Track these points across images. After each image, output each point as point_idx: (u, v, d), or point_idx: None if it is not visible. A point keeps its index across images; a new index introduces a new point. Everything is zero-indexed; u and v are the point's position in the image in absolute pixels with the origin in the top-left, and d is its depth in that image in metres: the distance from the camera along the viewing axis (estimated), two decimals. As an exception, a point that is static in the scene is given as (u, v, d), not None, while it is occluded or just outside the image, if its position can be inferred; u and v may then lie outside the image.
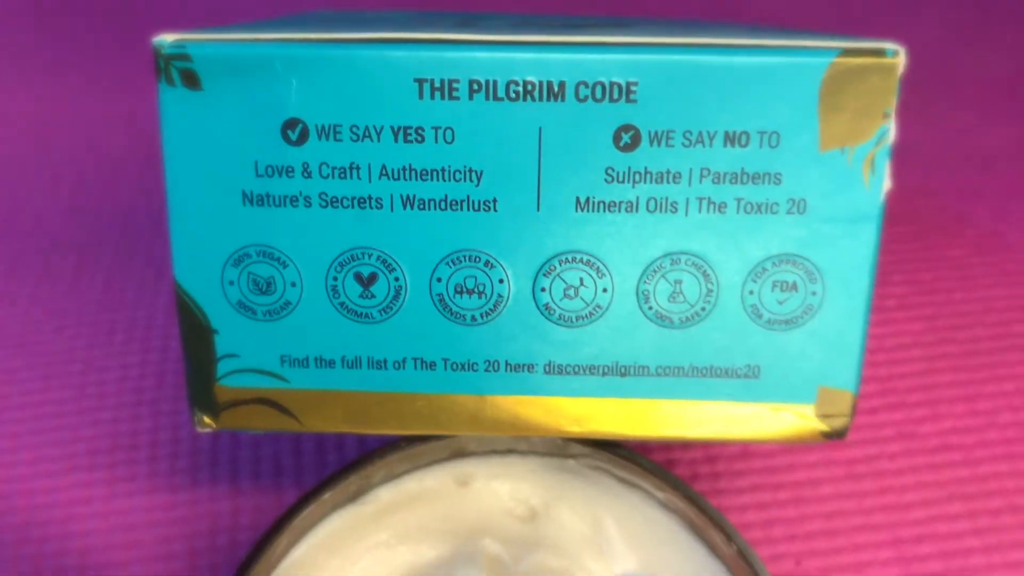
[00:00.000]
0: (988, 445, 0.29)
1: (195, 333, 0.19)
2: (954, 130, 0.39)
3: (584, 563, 0.23)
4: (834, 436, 0.20)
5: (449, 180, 0.18)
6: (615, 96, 0.18)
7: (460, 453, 0.23)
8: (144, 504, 0.28)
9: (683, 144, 0.18)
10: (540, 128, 0.18)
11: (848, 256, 0.19)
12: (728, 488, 0.28)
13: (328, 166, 0.18)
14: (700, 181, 0.18)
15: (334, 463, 0.28)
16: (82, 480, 0.28)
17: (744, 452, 0.29)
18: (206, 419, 0.20)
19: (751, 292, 0.19)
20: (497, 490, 0.23)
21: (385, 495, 0.23)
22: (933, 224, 0.35)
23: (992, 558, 0.27)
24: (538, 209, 0.18)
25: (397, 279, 0.19)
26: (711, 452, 0.29)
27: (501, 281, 0.19)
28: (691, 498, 0.21)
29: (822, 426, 0.20)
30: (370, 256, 0.19)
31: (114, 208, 0.36)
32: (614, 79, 0.18)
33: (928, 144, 0.38)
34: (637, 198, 0.18)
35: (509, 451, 0.23)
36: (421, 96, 0.18)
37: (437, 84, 0.18)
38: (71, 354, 0.31)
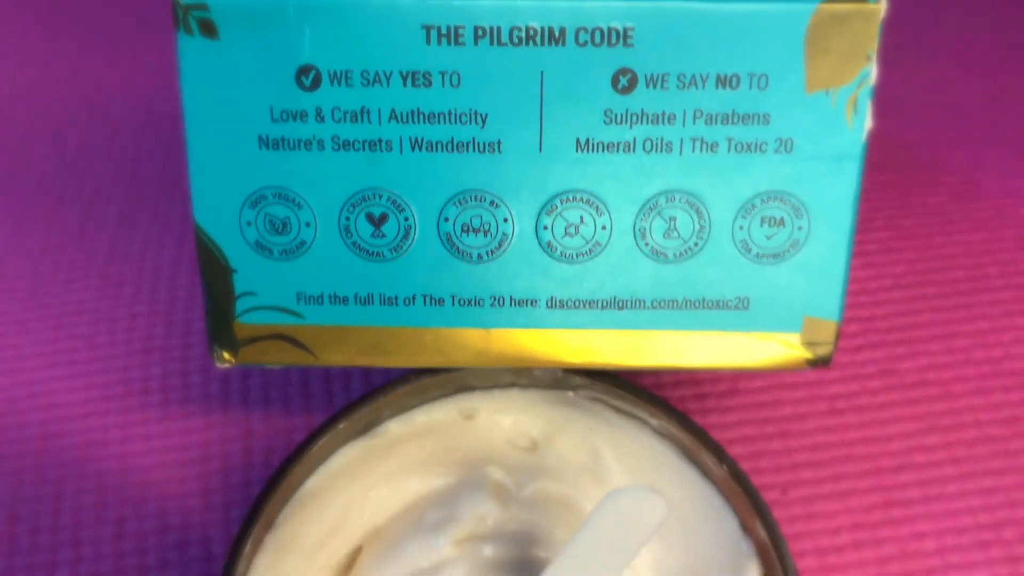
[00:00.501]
0: (963, 380, 0.30)
1: (215, 272, 0.20)
2: (932, 83, 0.40)
3: (583, 488, 0.24)
4: (818, 363, 0.21)
5: (455, 123, 0.19)
6: (613, 41, 0.19)
7: (465, 388, 0.24)
8: (158, 445, 0.29)
9: (677, 87, 0.19)
10: (542, 72, 0.19)
11: (832, 192, 0.20)
12: (717, 424, 0.29)
13: (340, 110, 0.19)
14: (693, 122, 0.19)
15: (341, 401, 0.29)
16: (97, 424, 0.29)
17: (732, 390, 0.30)
18: (226, 355, 0.21)
19: (741, 228, 0.20)
20: (500, 423, 0.25)
21: (395, 428, 0.24)
22: (913, 173, 0.36)
23: (966, 485, 0.29)
24: (540, 150, 0.19)
25: (407, 219, 0.20)
26: (701, 390, 0.30)
27: (505, 220, 0.20)
28: (683, 423, 0.22)
29: (807, 354, 0.21)
30: (380, 197, 0.20)
31: (118, 167, 0.37)
32: (612, 24, 0.19)
33: (907, 97, 0.39)
34: (634, 139, 0.19)
35: (511, 385, 0.24)
36: (428, 42, 0.19)
37: (444, 30, 0.19)
38: (81, 305, 0.32)
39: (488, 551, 0.23)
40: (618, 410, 0.24)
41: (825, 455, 0.29)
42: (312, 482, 0.23)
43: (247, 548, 0.21)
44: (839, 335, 0.21)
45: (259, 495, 0.21)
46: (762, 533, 0.22)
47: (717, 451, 0.22)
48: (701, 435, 0.22)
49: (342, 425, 0.22)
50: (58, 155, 0.37)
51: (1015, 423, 0.29)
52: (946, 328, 0.31)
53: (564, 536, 0.23)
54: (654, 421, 0.23)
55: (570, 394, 0.24)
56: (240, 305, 0.21)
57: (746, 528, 0.22)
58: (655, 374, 0.30)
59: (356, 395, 0.29)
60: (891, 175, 0.36)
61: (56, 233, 0.34)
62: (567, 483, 0.24)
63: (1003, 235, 0.33)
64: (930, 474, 0.29)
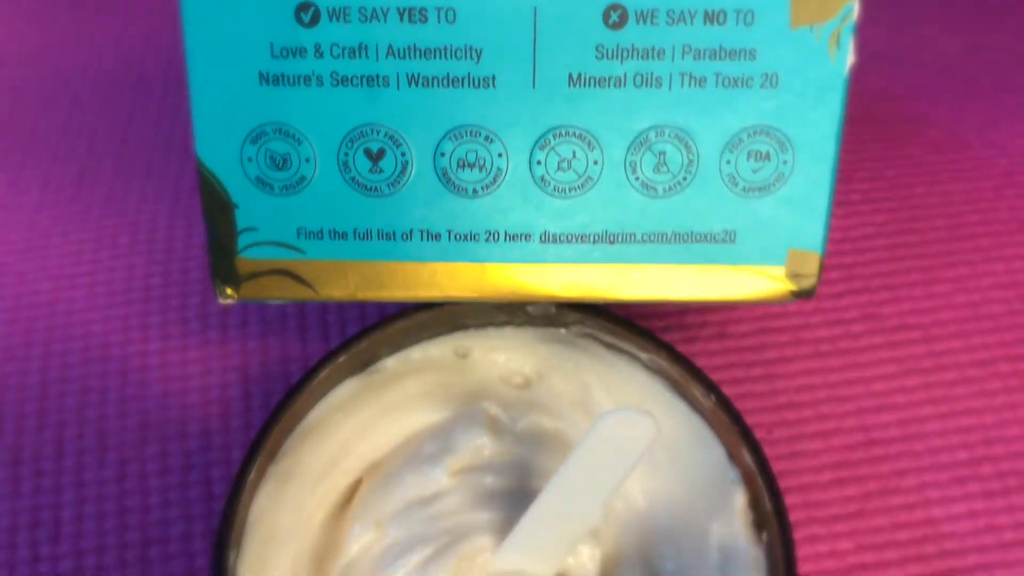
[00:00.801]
0: (943, 324, 0.31)
1: (217, 209, 0.21)
2: (915, 39, 0.41)
3: (575, 422, 0.25)
4: (802, 296, 0.22)
5: (451, 58, 0.20)
6: (604, -23, 0.19)
7: (459, 326, 0.25)
8: (158, 390, 0.29)
9: (667, 22, 0.20)
10: (535, 8, 0.19)
11: (815, 126, 0.20)
12: (705, 366, 0.30)
13: (338, 47, 0.20)
14: (682, 57, 0.20)
15: (337, 339, 0.30)
16: (97, 370, 0.30)
17: (719, 334, 0.31)
18: (228, 290, 0.22)
19: (728, 162, 0.21)
20: (494, 360, 0.25)
21: (391, 364, 0.24)
22: (895, 126, 0.37)
23: (946, 424, 0.30)
24: (534, 86, 0.20)
25: (404, 154, 0.21)
26: (689, 335, 0.31)
27: (500, 155, 0.21)
28: (672, 355, 0.23)
29: (791, 286, 0.22)
30: (378, 132, 0.20)
31: (111, 126, 0.37)
32: (603, -39, 0.19)
33: (891, 53, 0.40)
34: (625, 74, 0.20)
35: (505, 324, 0.25)
36: (425, -22, 0.19)
37: (440, -34, 0.19)
38: (78, 256, 0.32)
39: (485, 481, 0.23)
40: (609, 346, 0.24)
41: (809, 397, 0.30)
42: (313, 415, 0.23)
43: (251, 476, 0.21)
44: (822, 268, 0.22)
45: (263, 426, 0.22)
46: (748, 460, 0.22)
47: (705, 382, 0.22)
48: (689, 367, 0.23)
49: (342, 359, 0.22)
50: (52, 115, 0.38)
51: (993, 364, 0.30)
52: (927, 274, 0.32)
53: (557, 467, 0.24)
54: (644, 355, 0.24)
55: (562, 331, 0.24)
56: (242, 241, 0.21)
57: (733, 457, 0.23)
58: (644, 320, 0.30)
59: (352, 333, 0.29)
60: (874, 128, 0.36)
61: (52, 189, 0.35)
62: (559, 417, 0.25)
63: (983, 185, 0.34)
64: (911, 414, 0.30)
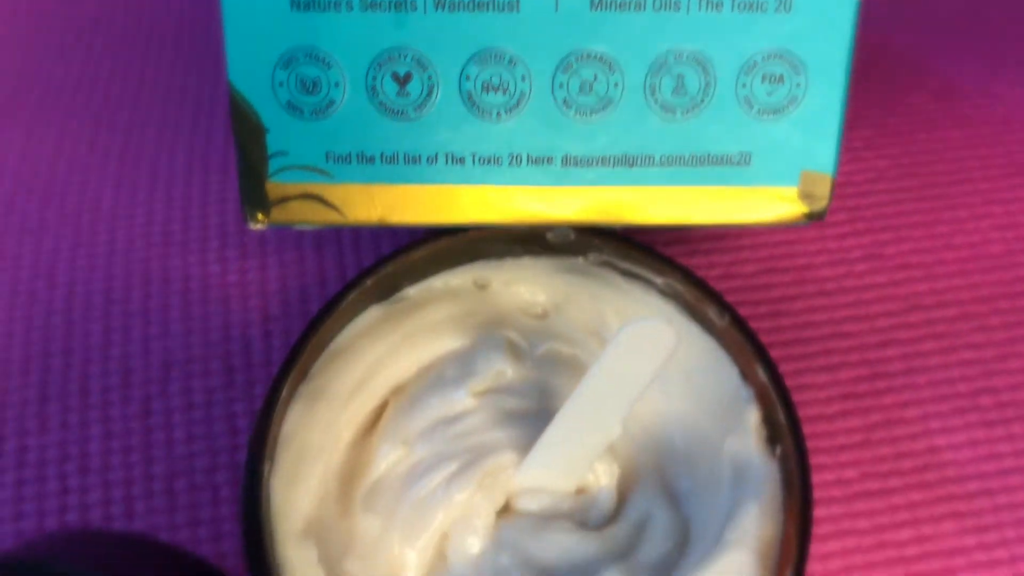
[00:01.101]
0: (945, 263, 0.32)
1: (248, 133, 0.22)
2: (915, -6, 0.42)
3: (591, 349, 0.25)
4: (815, 217, 0.23)
5: (476, -18, 0.20)
6: (625, -100, 0.20)
7: (479, 257, 0.25)
8: (179, 328, 0.30)
9: (685, -54, 0.20)
10: (559, -68, 0.20)
11: (828, 50, 0.21)
12: (714, 305, 0.31)
13: (368, -29, 0.20)
14: (700, -19, 0.21)
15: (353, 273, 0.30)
16: (118, 310, 0.30)
17: (726, 275, 0.32)
18: (259, 215, 0.22)
19: (744, 85, 0.21)
20: (513, 291, 0.26)
21: (413, 293, 0.25)
22: (896, 77, 0.37)
23: (947, 358, 0.30)
24: (556, 9, 0.21)
25: (430, 77, 0.21)
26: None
27: (523, 78, 0.21)
28: (688, 277, 0.23)
29: (804, 208, 0.23)
30: (405, 56, 0.21)
31: (124, 77, 0.38)
32: None
33: (890, 7, 0.41)
34: (645, -2, 0.21)
35: (524, 254, 0.25)
36: (451, -98, 0.20)
37: None
38: (97, 203, 0.33)
39: (506, 402, 0.24)
40: (625, 273, 0.25)
41: (815, 333, 0.31)
42: (341, 339, 0.24)
43: (284, 393, 0.22)
44: (834, 189, 0.23)
45: (294, 346, 0.22)
46: (762, 376, 0.23)
47: (720, 302, 0.23)
48: (704, 288, 0.23)
49: (367, 283, 0.23)
50: (67, 67, 0.38)
51: (992, 301, 0.31)
52: (928, 216, 0.33)
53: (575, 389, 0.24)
54: (659, 279, 0.24)
55: (580, 260, 0.25)
56: (272, 165, 0.22)
57: (745, 375, 0.24)
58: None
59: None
60: (875, 79, 0.37)
61: (68, 140, 0.35)
62: (575, 345, 0.26)
63: (982, 132, 0.35)
64: (913, 348, 0.31)
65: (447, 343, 0.25)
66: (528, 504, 0.24)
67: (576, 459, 0.23)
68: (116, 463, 0.28)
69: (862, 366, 0.30)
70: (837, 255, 0.32)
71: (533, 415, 0.24)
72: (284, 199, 0.22)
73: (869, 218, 0.33)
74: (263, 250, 0.31)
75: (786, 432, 0.22)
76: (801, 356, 0.30)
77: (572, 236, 0.24)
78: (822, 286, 0.32)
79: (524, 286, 0.26)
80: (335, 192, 0.22)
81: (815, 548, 0.28)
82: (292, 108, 0.21)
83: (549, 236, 0.24)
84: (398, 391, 0.25)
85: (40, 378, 0.30)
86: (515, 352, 0.25)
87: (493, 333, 0.25)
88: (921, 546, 0.28)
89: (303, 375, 0.23)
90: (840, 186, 0.34)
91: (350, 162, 0.22)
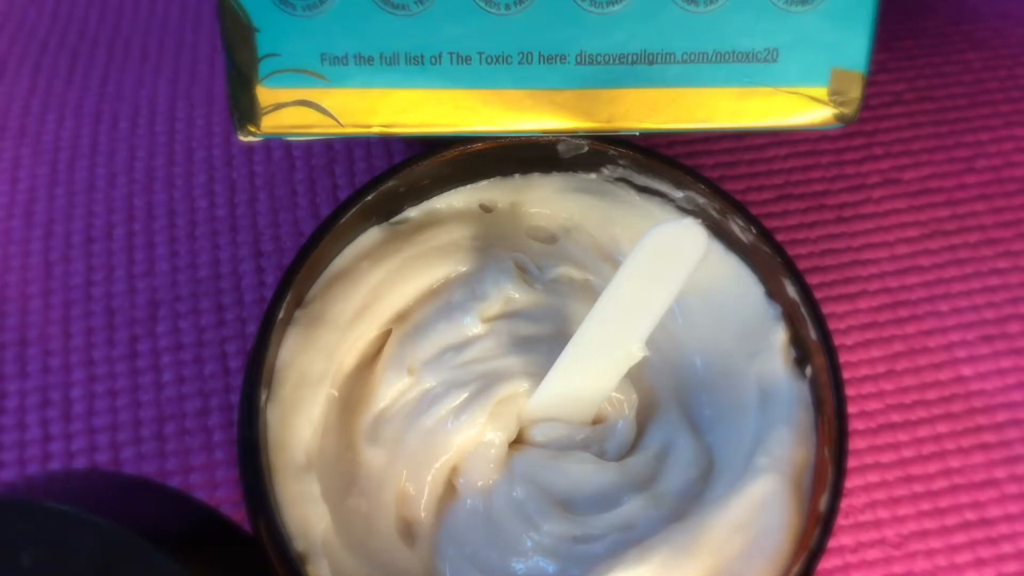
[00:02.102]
0: (966, 188, 0.31)
1: (237, 34, 0.20)
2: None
3: (605, 274, 0.24)
4: (846, 120, 0.21)
5: None
6: None
7: (484, 174, 0.24)
8: (165, 267, 0.28)
9: None
10: None
11: (861, -67, 0.20)
12: (728, 234, 0.29)
13: None
14: None
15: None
16: (100, 248, 0.29)
17: (740, 202, 0.30)
18: (250, 127, 0.21)
19: (770, -28, 0.20)
20: (522, 214, 0.24)
21: (416, 215, 0.24)
22: (908, 1, 0.36)
23: (971, 284, 0.29)
24: None
25: (433, -33, 0.20)
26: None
27: (534, -34, 0.20)
28: (712, 188, 0.22)
29: (834, 109, 0.21)
30: (406, -57, 0.19)
31: (101, 14, 0.36)
32: None
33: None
34: None
35: (531, 171, 0.24)
36: None
37: None
38: (76, 141, 0.31)
39: (517, 327, 0.23)
40: (641, 189, 0.23)
41: (833, 261, 0.29)
42: (340, 262, 0.22)
43: (280, 316, 0.20)
44: (865, 92, 0.21)
45: (290, 265, 0.21)
46: (791, 292, 0.22)
47: (745, 215, 0.22)
48: (729, 199, 0.22)
49: (369, 197, 0.21)
50: (40, 5, 0.36)
51: (1017, 225, 0.30)
52: (948, 140, 0.31)
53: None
54: (679, 193, 0.23)
55: (592, 176, 0.24)
56: (263, 68, 0.20)
57: (772, 293, 0.23)
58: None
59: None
60: (887, 4, 0.36)
61: (44, 77, 0.33)
62: (587, 269, 0.24)
63: (1001, 53, 0.34)
64: (935, 275, 0.29)
65: (452, 268, 0.23)
66: (542, 435, 0.22)
67: (593, 386, 0.22)
68: (101, 408, 0.27)
69: (883, 294, 0.29)
70: (855, 180, 0.31)
71: (547, 340, 0.23)
72: (276, 106, 0.21)
73: (887, 143, 0.31)
74: (252, 184, 0.30)
75: (817, 350, 0.21)
76: (819, 285, 0.29)
77: (585, 148, 0.23)
78: (839, 213, 0.30)
79: (533, 208, 0.24)
80: (331, 98, 0.21)
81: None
82: (283, 2, 0.20)
83: (560, 148, 0.23)
84: (402, 318, 0.23)
85: (19, 321, 0.28)
86: (524, 277, 0.23)
87: (501, 257, 0.23)
88: (949, 479, 0.27)
89: (300, 299, 0.22)
90: (856, 111, 0.32)
91: (347, 64, 0.20)
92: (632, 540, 0.20)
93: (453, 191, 0.24)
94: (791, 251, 0.29)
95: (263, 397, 0.20)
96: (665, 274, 0.19)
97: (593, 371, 0.21)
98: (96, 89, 0.33)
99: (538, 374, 0.22)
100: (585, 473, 0.22)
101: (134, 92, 0.32)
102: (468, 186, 0.24)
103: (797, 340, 0.22)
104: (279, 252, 0.29)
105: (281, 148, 0.30)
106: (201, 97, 0.32)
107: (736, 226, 0.22)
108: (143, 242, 0.29)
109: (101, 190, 0.30)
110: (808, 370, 0.22)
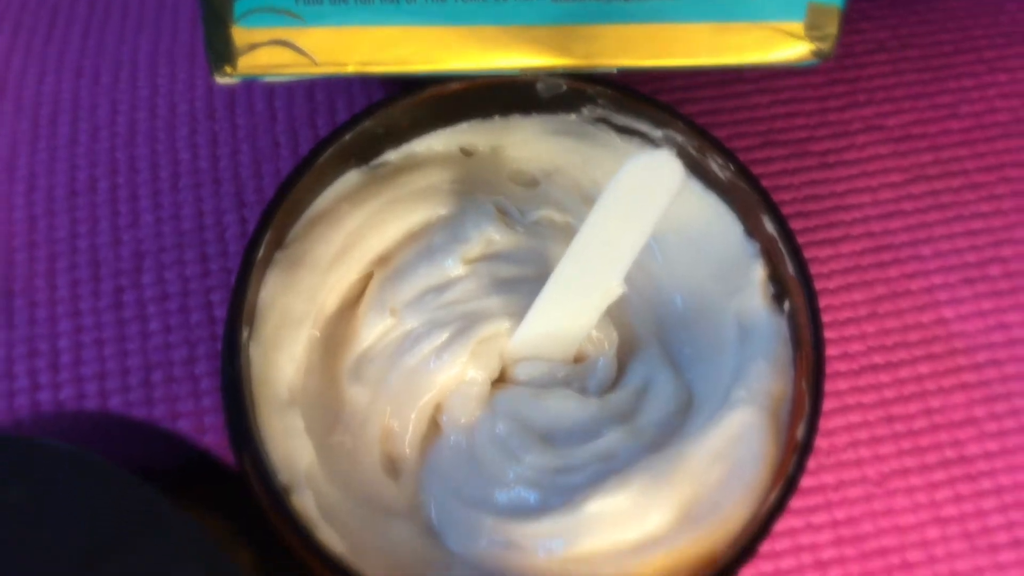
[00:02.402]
0: (949, 133, 0.31)
1: (210, -29, 0.20)
2: None
3: (584, 215, 0.24)
4: (822, 56, 0.21)
5: None
6: None
7: (463, 116, 0.24)
8: (150, 218, 0.28)
9: None
10: None
11: None
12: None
13: None
14: None
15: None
16: (85, 202, 0.29)
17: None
18: (226, 68, 0.21)
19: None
20: (502, 158, 0.25)
21: (395, 159, 0.24)
22: (893, -50, 0.36)
23: (953, 228, 0.29)
24: None
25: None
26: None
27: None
28: (690, 126, 0.22)
29: (811, 45, 0.21)
30: None
31: (79, -30, 0.36)
32: None
33: None
34: None
35: (511, 112, 0.24)
36: None
37: None
38: (56, 96, 0.31)
39: (498, 269, 0.23)
40: (621, 129, 0.24)
41: (816, 206, 0.30)
42: (320, 204, 0.23)
43: (260, 254, 0.20)
44: (842, 27, 0.21)
45: (269, 203, 0.21)
46: (769, 227, 0.22)
47: (724, 152, 0.22)
48: (707, 137, 0.22)
49: (347, 137, 0.21)
50: (18, -39, 0.36)
51: (1001, 170, 0.30)
52: (931, 87, 0.32)
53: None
54: (658, 132, 0.23)
55: (572, 117, 0.24)
56: (239, 7, 0.20)
57: (751, 231, 0.23)
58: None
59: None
60: (871, -48, 0.36)
61: (24, 32, 0.33)
62: (569, 212, 0.24)
63: (984, 1, 0.34)
64: (918, 220, 0.29)
65: (433, 211, 0.23)
66: (525, 373, 0.23)
67: (573, 324, 0.22)
68: (89, 357, 0.27)
69: (866, 238, 0.29)
70: (838, 127, 0.31)
71: (527, 282, 0.23)
72: (252, 46, 0.21)
73: (870, 89, 0.31)
74: (235, 137, 0.30)
75: (794, 284, 0.21)
76: (803, 230, 0.29)
77: (564, 87, 0.23)
78: (823, 159, 0.30)
79: (513, 151, 0.25)
80: (307, 37, 0.21)
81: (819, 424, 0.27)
82: (257, -59, 0.20)
83: (539, 87, 0.23)
84: (383, 261, 0.23)
85: (3, 272, 0.28)
86: (506, 219, 0.23)
87: (481, 200, 0.24)
88: (929, 419, 0.28)
89: (280, 241, 0.22)
90: (839, 58, 0.32)
91: (321, 2, 0.20)
92: (612, 470, 0.21)
93: (432, 134, 0.24)
94: (775, 197, 0.30)
95: (245, 334, 0.20)
96: (642, 208, 0.19)
97: (572, 309, 0.22)
98: (77, 44, 0.32)
99: (519, 314, 0.22)
100: (566, 408, 0.22)
101: (115, 47, 0.32)
102: (447, 129, 0.24)
103: (776, 277, 0.22)
104: (262, 203, 0.29)
105: (263, 100, 0.30)
106: (183, 52, 0.32)
107: (715, 164, 0.22)
108: (127, 195, 0.29)
109: (84, 144, 0.30)
110: (786, 305, 0.22)
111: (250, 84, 0.30)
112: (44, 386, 0.27)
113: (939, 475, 0.27)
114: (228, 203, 0.29)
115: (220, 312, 0.27)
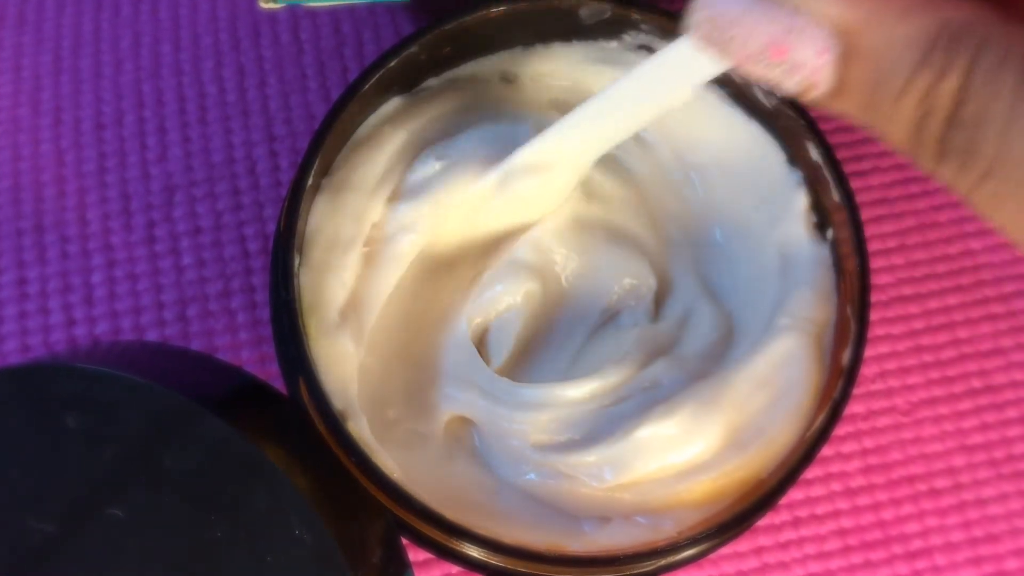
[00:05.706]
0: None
1: None
2: None
3: (629, 149, 0.24)
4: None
5: None
6: None
7: (505, 44, 0.23)
8: (180, 152, 0.28)
9: None
10: None
11: None
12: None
13: None
14: None
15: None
16: (112, 135, 0.28)
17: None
18: (269, -9, 0.20)
19: None
20: (542, 87, 0.24)
21: (436, 84, 0.23)
22: None
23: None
24: None
25: None
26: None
27: None
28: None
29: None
30: None
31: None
32: None
33: None
34: None
35: (553, 39, 0.24)
36: None
37: None
38: (78, 27, 0.30)
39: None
40: (662, 57, 0.23)
41: (845, 138, 0.30)
42: (363, 130, 0.22)
43: (309, 183, 0.20)
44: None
45: (316, 133, 0.21)
46: (814, 155, 0.22)
47: (768, 79, 0.22)
48: (752, 63, 0.22)
49: (393, 63, 0.21)
50: None
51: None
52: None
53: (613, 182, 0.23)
54: (702, 58, 0.23)
55: (613, 45, 0.24)
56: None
57: (794, 158, 0.23)
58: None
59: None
60: None
61: None
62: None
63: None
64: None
65: (472, 127, 0.23)
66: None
67: (585, 145, 0.22)
68: (123, 291, 0.27)
69: (894, 170, 0.29)
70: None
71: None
72: (298, -30, 0.20)
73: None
74: (261, 69, 0.29)
75: (839, 209, 0.21)
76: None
77: (608, 13, 0.22)
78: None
79: (554, 80, 0.24)
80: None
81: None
82: None
83: (583, 13, 0.22)
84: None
85: (33, 208, 0.28)
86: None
87: (522, 121, 0.23)
88: (957, 349, 0.28)
89: (326, 168, 0.22)
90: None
91: (369, -76, 0.20)
92: (658, 399, 0.21)
93: (473, 61, 0.24)
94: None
95: (297, 262, 0.20)
96: (681, 75, 0.19)
97: (589, 133, 0.22)
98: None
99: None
100: (607, 344, 0.22)
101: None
102: (489, 56, 0.24)
103: (818, 206, 0.22)
104: (292, 136, 0.29)
105: (288, 31, 0.30)
106: (170, 29, 0.31)
107: (759, 91, 0.22)
108: (154, 128, 0.29)
109: (108, 77, 0.29)
110: (829, 233, 0.22)
111: (274, 15, 0.30)
112: (80, 321, 0.27)
113: (966, 404, 0.27)
114: (258, 136, 0.29)
115: (254, 245, 0.27)
